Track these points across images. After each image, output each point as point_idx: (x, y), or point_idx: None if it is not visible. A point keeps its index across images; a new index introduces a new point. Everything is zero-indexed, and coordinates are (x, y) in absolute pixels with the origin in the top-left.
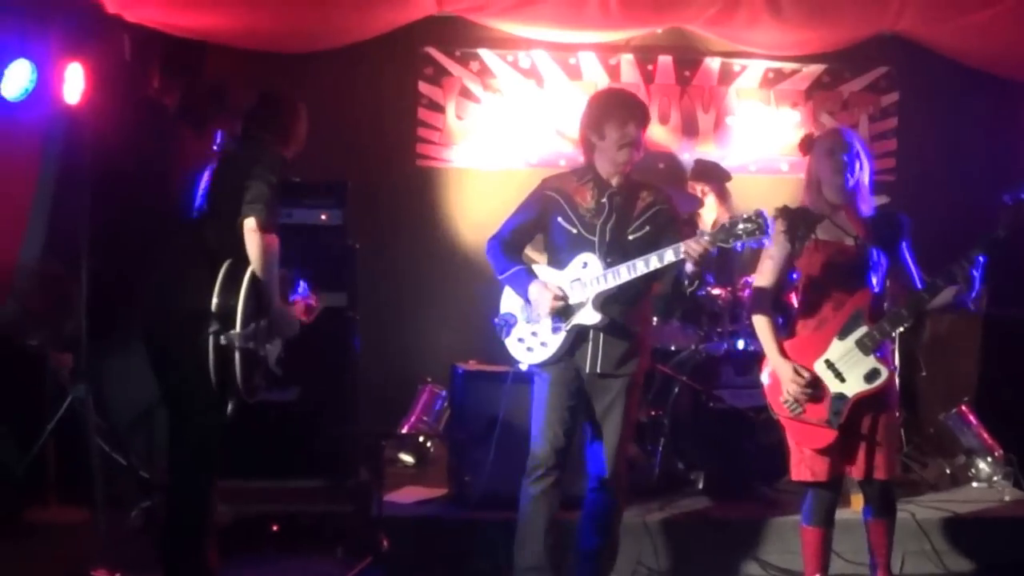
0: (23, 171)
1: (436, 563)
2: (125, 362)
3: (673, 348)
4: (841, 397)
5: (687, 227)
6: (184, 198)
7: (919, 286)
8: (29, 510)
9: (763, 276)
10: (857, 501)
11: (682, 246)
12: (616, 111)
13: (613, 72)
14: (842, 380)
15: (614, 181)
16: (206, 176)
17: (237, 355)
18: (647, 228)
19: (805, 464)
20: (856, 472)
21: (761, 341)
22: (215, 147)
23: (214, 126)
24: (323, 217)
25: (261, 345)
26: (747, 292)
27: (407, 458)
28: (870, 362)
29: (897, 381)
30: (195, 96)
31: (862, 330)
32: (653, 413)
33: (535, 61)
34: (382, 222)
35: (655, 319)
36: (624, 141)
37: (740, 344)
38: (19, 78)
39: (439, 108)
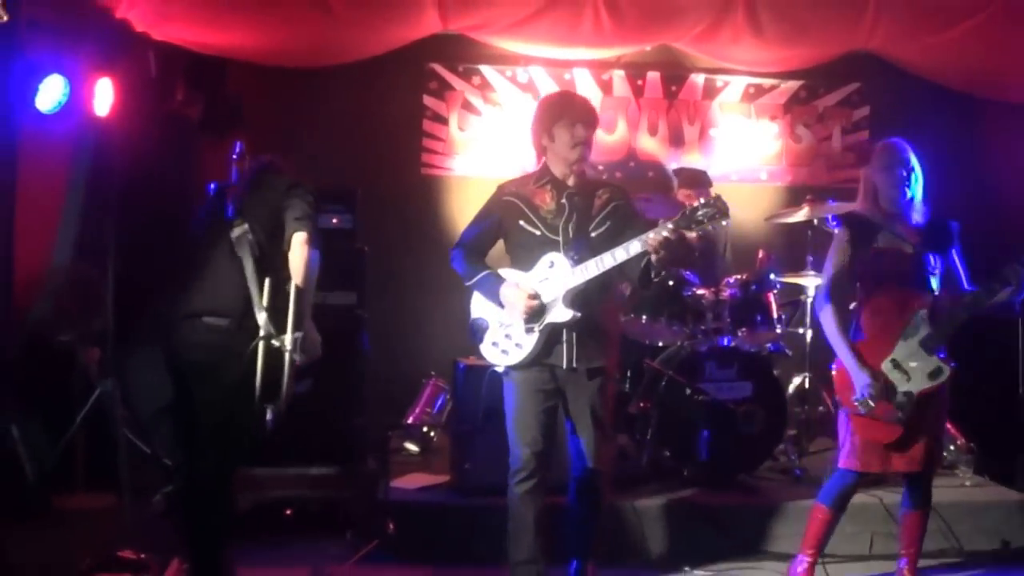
0: (55, 179)
1: (439, 546)
2: (148, 357)
3: (661, 344)
4: (907, 395)
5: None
6: (202, 206)
7: (968, 288)
8: (59, 496)
9: (829, 284)
10: None
11: (647, 236)
12: (564, 113)
13: (605, 86)
14: (908, 378)
15: (570, 181)
16: (238, 187)
17: (287, 361)
18: (608, 223)
19: (857, 455)
20: (917, 465)
21: (834, 345)
22: (234, 156)
23: (232, 138)
24: (334, 221)
25: (300, 356)
26: (729, 292)
27: (412, 447)
28: (934, 361)
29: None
30: (215, 109)
31: (925, 331)
32: (642, 405)
33: (532, 76)
34: (389, 226)
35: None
36: (574, 141)
37: (722, 341)
38: (53, 92)
39: (443, 120)
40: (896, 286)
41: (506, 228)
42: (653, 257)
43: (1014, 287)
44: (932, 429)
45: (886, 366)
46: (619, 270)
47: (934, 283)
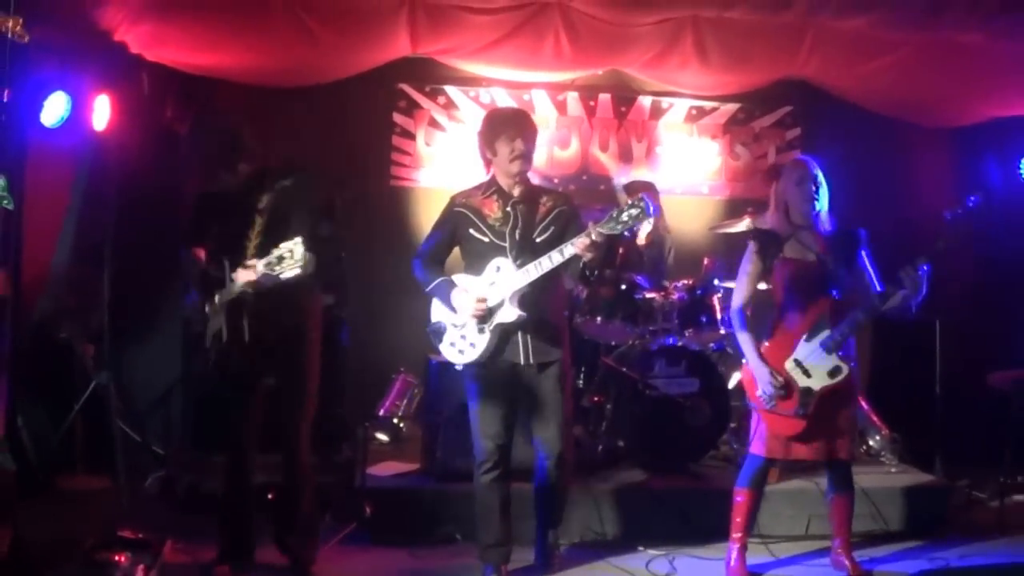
0: (58, 187)
1: (413, 528)
2: (142, 352)
3: (614, 343)
4: (808, 391)
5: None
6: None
7: (880, 289)
8: (60, 478)
9: (740, 290)
10: (773, 474)
11: (576, 240)
12: (504, 129)
13: (560, 106)
14: (808, 376)
15: (515, 191)
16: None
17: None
18: (552, 229)
19: (764, 443)
20: (822, 455)
21: (742, 346)
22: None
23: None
24: None
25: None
26: (678, 296)
27: (383, 437)
28: (833, 360)
29: (858, 376)
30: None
31: (825, 333)
32: (596, 399)
33: (494, 97)
34: (361, 233)
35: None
36: (514, 155)
37: (670, 340)
38: (56, 108)
39: (411, 136)
40: (801, 292)
41: (459, 236)
42: (585, 257)
43: (908, 290)
44: (840, 423)
45: (789, 365)
46: (563, 270)
47: (835, 288)
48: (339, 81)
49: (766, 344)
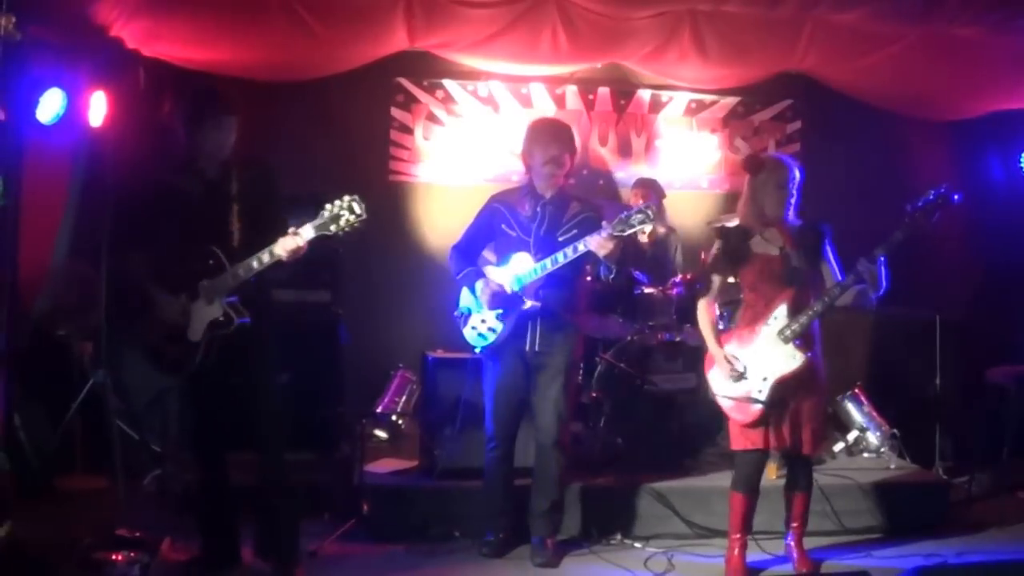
0: (55, 185)
1: (410, 525)
2: (141, 351)
3: (613, 339)
4: (764, 379)
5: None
6: None
7: (840, 280)
8: (58, 477)
9: (706, 286)
10: (772, 471)
11: (587, 239)
12: (542, 138)
13: (559, 100)
14: (766, 364)
15: (548, 194)
16: None
17: None
18: (575, 231)
19: (742, 435)
20: (786, 445)
21: (703, 335)
22: None
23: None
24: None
25: None
26: (676, 291)
27: (381, 434)
28: (789, 349)
29: (822, 369)
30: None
31: (783, 322)
32: (595, 395)
33: (492, 91)
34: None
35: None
36: (548, 157)
37: (669, 336)
38: (52, 105)
39: (409, 130)
40: (764, 284)
41: (493, 231)
42: (600, 254)
43: (868, 283)
44: (803, 414)
45: (746, 352)
46: (575, 269)
47: (796, 281)
48: (336, 76)
49: (728, 333)
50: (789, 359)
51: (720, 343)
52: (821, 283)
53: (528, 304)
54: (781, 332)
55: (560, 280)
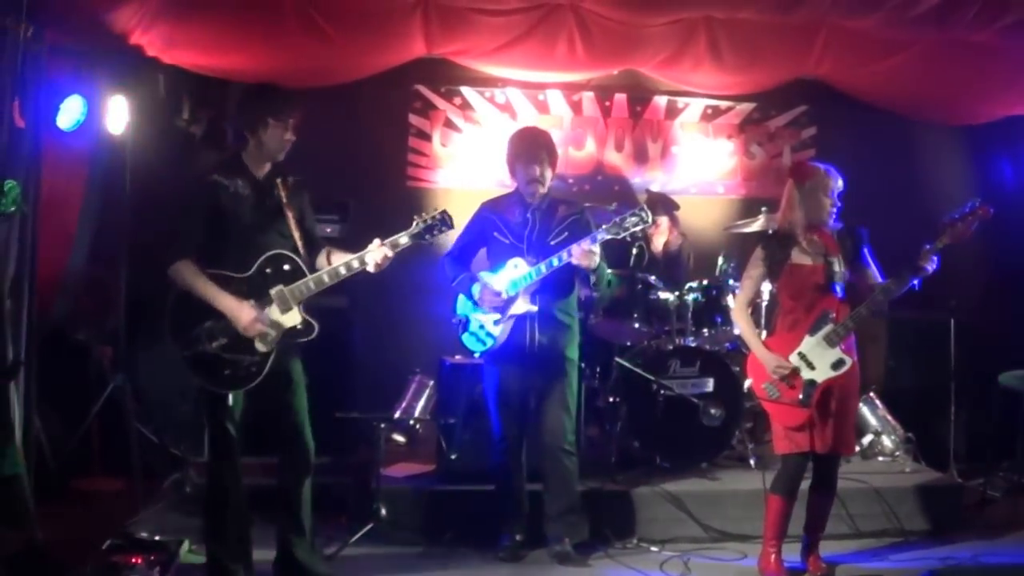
0: (73, 190)
1: (427, 528)
2: (159, 354)
3: (629, 343)
4: (812, 383)
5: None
6: None
7: (882, 282)
8: (76, 479)
9: (744, 290)
10: None
11: (571, 248)
12: (523, 156)
13: (576, 107)
14: (812, 368)
15: (535, 200)
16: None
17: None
18: (566, 234)
19: (787, 439)
20: (821, 447)
21: (746, 339)
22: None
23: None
24: (328, 231)
25: None
26: (692, 296)
27: (399, 438)
28: (836, 353)
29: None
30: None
31: (828, 327)
32: (612, 399)
33: (509, 97)
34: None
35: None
36: (530, 177)
37: (685, 340)
38: (73, 111)
39: (427, 137)
40: (806, 292)
41: (485, 237)
42: (582, 264)
43: (900, 285)
44: (846, 416)
45: (793, 358)
46: (570, 274)
47: (838, 287)
48: (355, 82)
49: (770, 339)
50: (837, 363)
51: (768, 348)
52: (861, 286)
53: (525, 308)
54: (827, 336)
55: (556, 282)
